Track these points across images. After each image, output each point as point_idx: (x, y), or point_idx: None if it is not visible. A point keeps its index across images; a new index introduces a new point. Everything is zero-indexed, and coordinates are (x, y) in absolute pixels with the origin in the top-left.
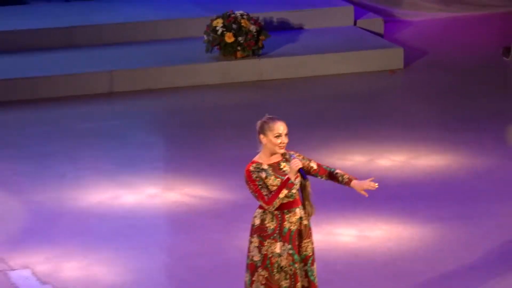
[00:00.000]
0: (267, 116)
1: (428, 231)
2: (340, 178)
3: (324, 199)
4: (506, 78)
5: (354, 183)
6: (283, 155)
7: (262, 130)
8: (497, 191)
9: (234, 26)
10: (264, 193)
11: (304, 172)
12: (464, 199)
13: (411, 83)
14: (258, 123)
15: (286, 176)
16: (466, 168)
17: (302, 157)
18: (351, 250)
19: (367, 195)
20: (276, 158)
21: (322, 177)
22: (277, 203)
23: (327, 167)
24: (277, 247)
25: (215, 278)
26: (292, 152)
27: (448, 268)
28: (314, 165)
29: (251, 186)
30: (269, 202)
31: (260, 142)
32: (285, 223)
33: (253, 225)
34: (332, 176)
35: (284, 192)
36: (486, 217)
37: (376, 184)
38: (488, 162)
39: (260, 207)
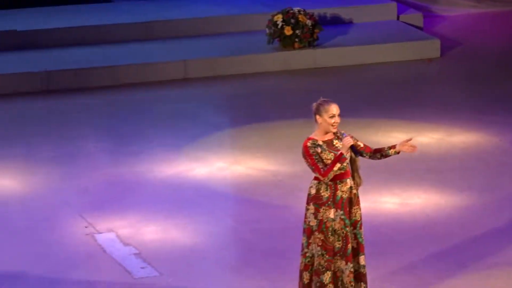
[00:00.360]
0: (322, 99)
1: (462, 199)
2: (385, 147)
3: (371, 172)
4: None
5: (398, 144)
6: (335, 133)
7: (318, 111)
8: None
9: (292, 20)
10: (320, 166)
11: (354, 149)
12: (493, 171)
13: (446, 71)
14: (314, 105)
15: (339, 152)
16: (495, 145)
17: (351, 136)
18: (394, 216)
19: (415, 148)
20: (329, 136)
21: (367, 155)
22: (331, 175)
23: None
24: (331, 213)
25: (275, 240)
26: (343, 131)
27: (478, 231)
28: (361, 144)
29: (309, 160)
30: (324, 174)
31: (316, 121)
32: (338, 192)
33: (309, 194)
34: (377, 150)
35: (338, 165)
36: None
37: (416, 146)
38: None
39: (315, 178)
